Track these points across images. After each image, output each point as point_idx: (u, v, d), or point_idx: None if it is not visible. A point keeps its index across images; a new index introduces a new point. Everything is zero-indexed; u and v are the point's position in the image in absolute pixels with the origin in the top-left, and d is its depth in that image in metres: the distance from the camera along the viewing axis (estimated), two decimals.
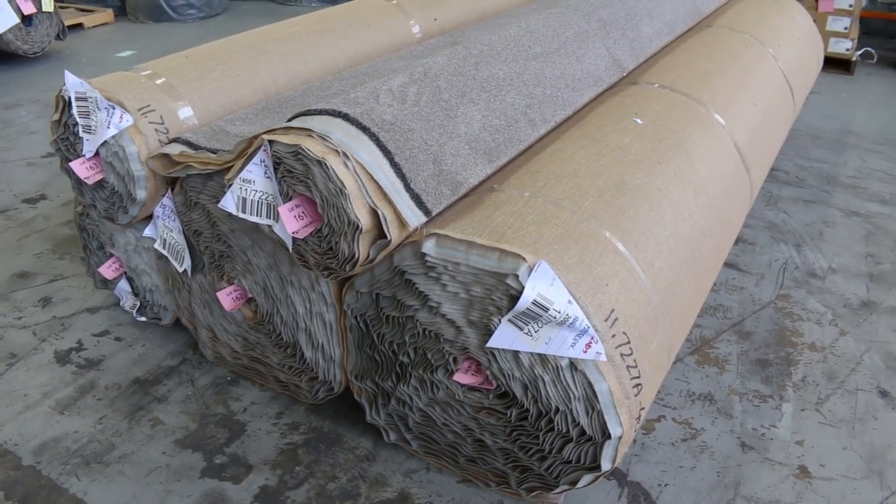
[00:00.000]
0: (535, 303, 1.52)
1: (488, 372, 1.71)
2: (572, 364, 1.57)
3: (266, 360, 2.19)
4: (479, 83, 2.03)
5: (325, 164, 1.59)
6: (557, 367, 1.59)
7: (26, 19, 5.22)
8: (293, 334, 2.05)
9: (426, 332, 1.76)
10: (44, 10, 5.30)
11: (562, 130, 2.22)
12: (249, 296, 2.11)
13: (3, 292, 2.81)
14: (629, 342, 1.61)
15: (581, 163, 1.97)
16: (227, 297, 2.11)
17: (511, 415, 1.73)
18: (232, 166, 1.83)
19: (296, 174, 1.66)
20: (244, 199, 1.77)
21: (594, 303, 1.57)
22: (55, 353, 2.47)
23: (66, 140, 2.18)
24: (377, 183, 1.62)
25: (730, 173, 2.40)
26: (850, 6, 5.34)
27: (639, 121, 2.28)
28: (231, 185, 1.78)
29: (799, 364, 2.42)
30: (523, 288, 1.53)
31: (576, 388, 1.59)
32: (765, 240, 3.16)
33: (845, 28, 5.41)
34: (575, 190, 1.84)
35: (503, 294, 1.58)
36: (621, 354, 1.59)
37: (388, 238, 1.64)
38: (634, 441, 2.09)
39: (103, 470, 2.00)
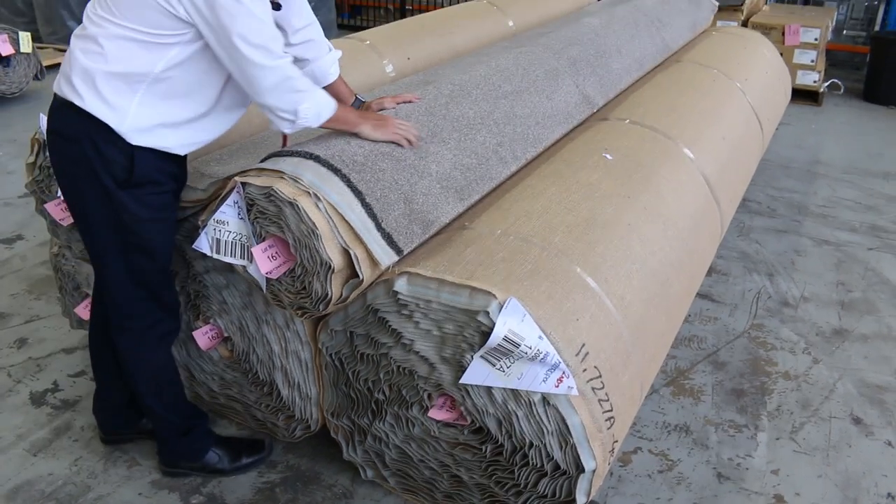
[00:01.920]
0: (506, 339, 1.55)
1: (462, 408, 1.72)
2: (545, 399, 1.59)
3: (243, 399, 2.19)
4: (450, 122, 2.07)
5: (297, 206, 1.61)
6: (530, 402, 1.60)
7: (4, 60, 5.23)
8: (269, 373, 2.05)
9: (400, 370, 1.77)
10: (22, 50, 5.33)
11: (532, 167, 2.26)
12: (225, 335, 2.12)
13: None
14: (600, 376, 1.63)
15: (551, 199, 2.01)
16: (203, 337, 2.12)
17: (486, 450, 1.74)
18: (206, 207, 1.85)
19: (268, 215, 1.68)
20: (218, 240, 1.79)
21: (565, 338, 1.60)
22: (30, 395, 2.45)
23: (42, 182, 2.19)
24: (348, 223, 1.65)
25: (699, 206, 2.45)
26: (816, 39, 5.48)
27: (608, 156, 2.33)
28: (205, 225, 1.80)
29: (773, 393, 2.45)
30: (494, 324, 1.55)
31: (549, 422, 1.60)
32: (738, 270, 3.21)
33: (812, 61, 5.54)
34: (545, 226, 1.87)
35: (475, 331, 1.60)
36: (593, 388, 1.61)
37: (361, 277, 1.66)
38: (611, 473, 2.10)
39: None
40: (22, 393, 2.46)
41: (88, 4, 1.66)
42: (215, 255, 1.81)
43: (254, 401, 2.16)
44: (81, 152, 1.65)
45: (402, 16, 8.08)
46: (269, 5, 1.63)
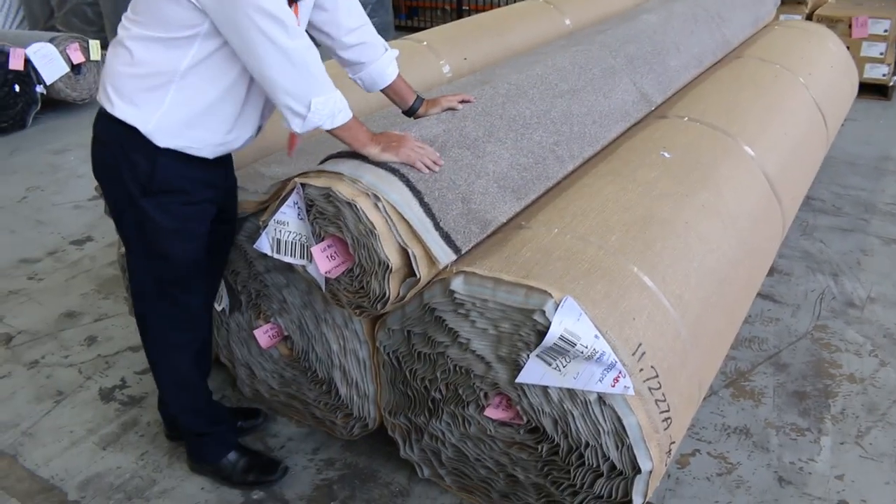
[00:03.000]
0: (562, 338, 1.54)
1: (519, 407, 1.72)
2: (601, 398, 1.59)
3: (302, 397, 2.23)
4: (507, 122, 2.07)
5: (356, 206, 1.64)
6: (586, 401, 1.60)
7: (75, 68, 5.44)
8: (328, 371, 2.09)
9: (457, 368, 1.78)
10: (92, 58, 5.52)
11: (590, 166, 2.25)
12: (285, 334, 2.16)
13: (51, 331, 2.91)
14: (657, 376, 1.62)
15: (608, 198, 2.00)
16: (263, 335, 2.17)
17: (542, 450, 1.74)
18: (267, 208, 1.89)
19: (327, 216, 1.72)
20: (278, 240, 1.83)
21: (621, 337, 1.59)
22: (100, 391, 2.54)
23: None
24: (407, 222, 1.67)
25: (760, 204, 2.40)
26: (886, 31, 5.30)
27: (666, 154, 2.30)
28: (266, 226, 1.84)
29: (838, 396, 2.38)
30: (550, 323, 1.55)
31: (605, 422, 1.60)
32: (800, 270, 3.13)
33: (881, 53, 5.36)
34: (601, 225, 1.86)
35: (531, 330, 1.60)
36: (649, 388, 1.59)
37: (418, 276, 1.67)
38: (668, 475, 2.07)
39: None
40: (91, 389, 2.56)
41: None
42: (276, 256, 1.85)
43: (313, 399, 2.20)
44: (111, 157, 1.70)
45: (459, 16, 8.10)
46: None
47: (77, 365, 2.69)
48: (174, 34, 1.59)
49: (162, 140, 1.66)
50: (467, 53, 3.16)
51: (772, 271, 3.06)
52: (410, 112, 2.07)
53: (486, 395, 1.77)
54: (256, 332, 2.17)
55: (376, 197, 1.66)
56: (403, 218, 1.66)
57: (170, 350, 1.95)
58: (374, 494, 2.05)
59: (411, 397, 1.94)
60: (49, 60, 5.22)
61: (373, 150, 1.75)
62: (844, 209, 3.70)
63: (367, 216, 1.64)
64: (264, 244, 1.85)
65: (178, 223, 1.76)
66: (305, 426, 2.31)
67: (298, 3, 1.69)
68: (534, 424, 1.73)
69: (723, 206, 2.16)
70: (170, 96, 1.63)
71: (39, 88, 5.29)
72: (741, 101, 2.86)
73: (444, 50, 3.10)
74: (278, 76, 1.58)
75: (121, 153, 1.69)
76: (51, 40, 5.26)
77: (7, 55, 5.00)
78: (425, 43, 3.11)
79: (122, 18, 1.68)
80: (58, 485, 2.13)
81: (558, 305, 1.55)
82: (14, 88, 5.15)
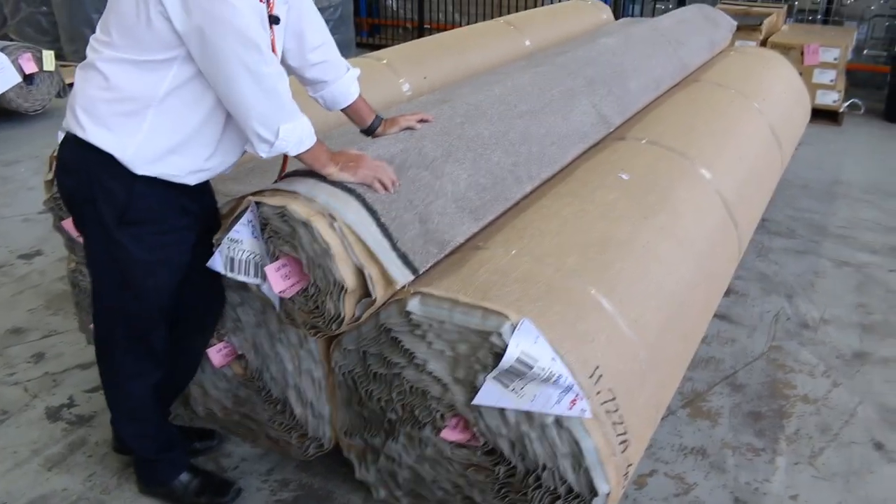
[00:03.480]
0: (519, 360, 1.53)
1: (475, 429, 1.71)
2: (558, 421, 1.58)
3: (257, 417, 2.18)
4: (466, 142, 2.07)
5: (310, 226, 1.62)
6: (543, 424, 1.59)
7: (28, 78, 5.32)
8: (283, 391, 2.05)
9: (413, 390, 1.76)
10: (45, 69, 5.41)
11: (548, 187, 2.26)
12: (239, 353, 2.12)
13: None
14: (615, 398, 1.61)
15: (566, 219, 2.00)
16: (216, 354, 2.12)
17: (499, 472, 1.73)
18: (220, 226, 1.86)
19: (282, 235, 1.69)
20: (232, 259, 1.79)
21: (579, 359, 1.58)
22: (46, 410, 2.46)
23: (59, 199, 2.21)
24: (363, 242, 1.65)
25: (717, 227, 2.43)
26: (836, 59, 5.45)
27: (624, 176, 2.32)
28: (219, 244, 1.80)
29: (792, 416, 2.41)
30: (507, 346, 1.54)
31: (562, 444, 1.59)
32: (756, 291, 3.18)
33: (831, 80, 5.51)
34: (559, 247, 1.86)
35: (488, 352, 1.59)
36: (607, 411, 1.59)
37: (374, 297, 1.65)
38: (626, 496, 2.07)
39: None
40: (38, 408, 2.48)
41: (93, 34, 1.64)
42: (229, 274, 1.81)
43: (267, 419, 2.15)
44: (82, 185, 1.64)
45: (421, 35, 8.13)
46: (256, 6, 1.55)
47: (23, 383, 2.61)
48: (150, 56, 1.54)
49: (140, 167, 1.60)
50: (427, 72, 3.17)
51: (728, 292, 3.10)
52: (369, 131, 2.06)
53: (442, 416, 1.75)
54: (209, 351, 2.12)
55: (332, 217, 1.64)
56: (359, 238, 1.64)
57: (125, 378, 1.90)
58: None
59: (367, 418, 1.91)
60: (0, 70, 5.10)
61: (331, 170, 1.73)
62: (798, 231, 3.78)
63: (322, 236, 1.61)
64: (217, 263, 1.82)
65: (155, 254, 1.71)
66: (260, 446, 2.26)
67: (274, 27, 1.66)
68: (491, 446, 1.71)
69: (680, 228, 2.18)
70: (148, 122, 1.58)
71: None
72: (698, 124, 2.91)
73: (404, 68, 3.10)
74: (249, 102, 1.54)
75: (95, 181, 1.62)
76: (2, 49, 5.14)
77: None
78: (385, 61, 3.11)
79: (91, 40, 1.63)
80: None
81: (515, 327, 1.55)
82: None
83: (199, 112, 1.61)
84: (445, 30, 7.54)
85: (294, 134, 1.61)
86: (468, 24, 7.31)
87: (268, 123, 1.56)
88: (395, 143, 1.95)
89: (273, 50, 1.66)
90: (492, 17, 6.81)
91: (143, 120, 1.58)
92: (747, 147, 3.02)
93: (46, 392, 2.56)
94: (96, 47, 1.60)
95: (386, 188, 1.76)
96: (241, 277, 1.80)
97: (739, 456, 2.24)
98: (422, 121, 2.09)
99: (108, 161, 1.59)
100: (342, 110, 2.02)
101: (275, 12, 1.65)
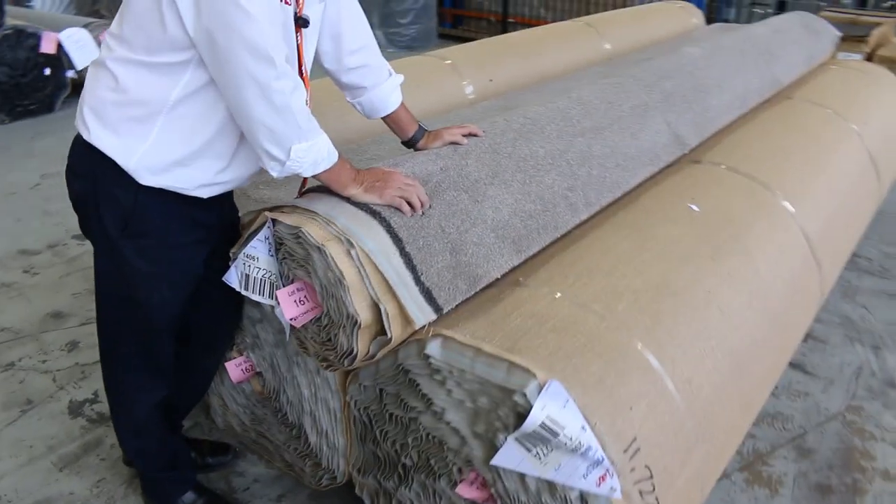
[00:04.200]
0: (543, 426, 1.34)
1: (493, 490, 1.52)
2: (583, 497, 1.38)
3: (273, 438, 2.05)
4: (516, 162, 1.87)
5: (325, 252, 1.45)
6: (566, 497, 1.39)
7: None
8: (298, 416, 1.91)
9: (430, 437, 1.59)
10: None
11: (607, 215, 2.04)
12: (258, 370, 1.99)
13: (34, 332, 2.79)
14: (651, 477, 1.40)
15: (621, 257, 1.78)
16: (235, 368, 2.00)
17: None
18: (239, 237, 1.72)
19: (296, 258, 1.54)
20: (248, 276, 1.65)
21: (613, 431, 1.38)
22: (69, 403, 2.41)
23: None
24: (382, 275, 1.48)
25: (797, 270, 2.16)
26: None
27: (695, 207, 2.08)
28: (235, 258, 1.67)
29: (867, 494, 2.12)
30: (531, 407, 1.35)
31: None
32: (838, 338, 2.86)
33: None
34: (609, 290, 1.65)
35: (510, 410, 1.40)
36: (640, 491, 1.38)
37: (389, 336, 1.48)
38: None
39: None
40: (62, 401, 2.43)
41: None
42: (244, 292, 1.67)
43: (283, 441, 2.02)
44: (87, 190, 1.52)
45: (505, 29, 7.88)
46: (277, 10, 1.40)
47: (52, 372, 2.56)
48: (162, 59, 1.40)
49: (144, 178, 1.47)
50: (494, 74, 2.96)
51: (806, 337, 2.80)
52: (410, 143, 1.89)
53: (459, 470, 1.57)
54: (228, 365, 2.00)
55: (350, 243, 1.47)
56: (378, 269, 1.47)
57: (128, 392, 1.80)
58: None
59: (381, 458, 1.75)
60: (81, 45, 5.17)
61: (353, 191, 1.56)
62: (893, 272, 3.41)
63: (336, 264, 1.45)
64: (233, 278, 1.68)
65: (160, 268, 1.59)
66: (275, 468, 2.14)
67: (303, 30, 1.51)
68: None
69: (753, 273, 1.93)
70: (156, 130, 1.45)
71: (70, 73, 5.23)
72: (785, 148, 2.62)
73: (468, 70, 2.91)
74: (258, 117, 1.38)
75: (99, 187, 1.50)
76: (85, 25, 5.19)
77: (39, 38, 4.95)
78: (449, 62, 2.92)
79: (106, 35, 1.51)
80: None
81: (542, 388, 1.35)
82: (44, 72, 5.09)
83: (213, 123, 1.47)
84: (530, 25, 7.32)
85: (309, 155, 1.44)
86: (553, 20, 7.08)
87: (279, 142, 1.40)
88: (436, 161, 1.76)
89: (299, 56, 1.51)
90: (578, 15, 6.55)
91: (151, 127, 1.44)
92: (840, 176, 2.72)
93: (73, 384, 2.50)
94: (110, 44, 1.47)
95: (414, 209, 1.57)
96: (256, 297, 1.66)
97: None
98: (470, 135, 1.90)
99: (112, 167, 1.47)
100: (382, 119, 1.86)
101: (304, 13, 1.49)
